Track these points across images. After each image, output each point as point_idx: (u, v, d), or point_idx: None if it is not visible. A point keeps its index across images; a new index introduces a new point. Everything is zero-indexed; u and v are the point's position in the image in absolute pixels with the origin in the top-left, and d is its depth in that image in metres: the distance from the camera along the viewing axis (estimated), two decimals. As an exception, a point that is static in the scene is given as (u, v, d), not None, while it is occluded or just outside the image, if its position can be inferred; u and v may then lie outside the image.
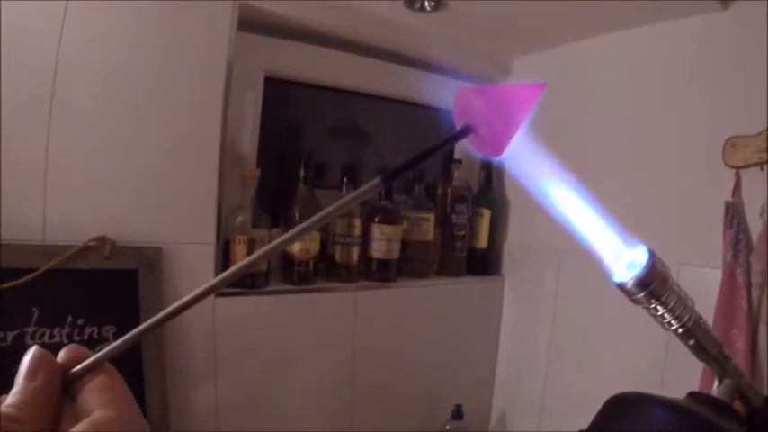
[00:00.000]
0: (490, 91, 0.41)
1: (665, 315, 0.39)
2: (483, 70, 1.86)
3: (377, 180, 0.40)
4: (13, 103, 1.14)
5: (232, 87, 1.39)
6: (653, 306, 0.39)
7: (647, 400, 0.38)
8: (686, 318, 0.39)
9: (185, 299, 0.40)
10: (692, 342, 0.41)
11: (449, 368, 1.79)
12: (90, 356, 0.40)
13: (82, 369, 0.39)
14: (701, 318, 0.40)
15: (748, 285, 1.28)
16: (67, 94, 1.19)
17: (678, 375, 1.34)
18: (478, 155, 0.42)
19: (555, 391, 1.71)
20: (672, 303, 0.39)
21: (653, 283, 0.38)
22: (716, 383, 0.42)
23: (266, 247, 0.41)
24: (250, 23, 1.45)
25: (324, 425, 1.57)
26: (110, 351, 0.40)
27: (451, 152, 1.92)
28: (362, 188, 0.41)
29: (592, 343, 1.60)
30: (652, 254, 0.38)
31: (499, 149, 0.40)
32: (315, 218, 0.40)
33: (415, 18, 1.55)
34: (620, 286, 0.39)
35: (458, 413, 1.67)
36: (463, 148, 1.75)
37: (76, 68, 1.20)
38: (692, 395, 0.40)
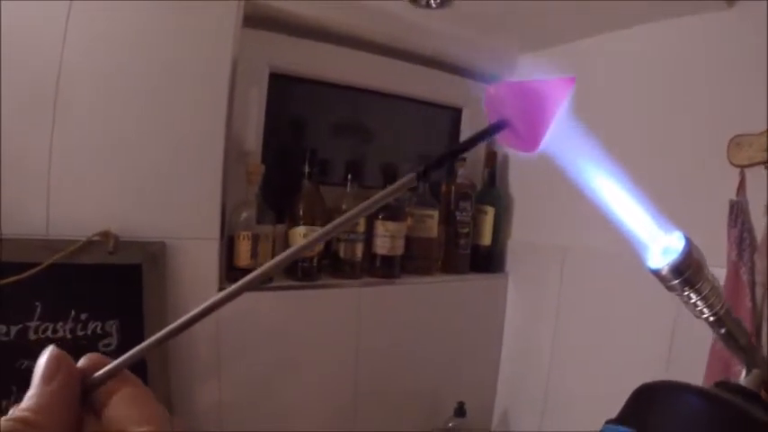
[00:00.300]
0: (523, 86, 0.41)
1: (698, 303, 0.39)
2: (488, 67, 1.85)
3: (411, 175, 0.39)
4: (17, 99, 1.13)
5: (237, 83, 1.39)
6: (686, 294, 0.39)
7: (679, 388, 0.38)
8: (718, 306, 0.39)
9: (220, 296, 0.38)
10: (722, 331, 0.40)
11: (452, 365, 1.78)
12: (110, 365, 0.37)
13: (103, 375, 0.37)
14: (731, 307, 0.40)
15: (752, 284, 1.28)
16: (71, 90, 1.19)
17: (682, 372, 1.35)
18: (513, 151, 0.42)
19: (558, 388, 1.71)
20: (706, 291, 0.38)
21: (688, 271, 0.37)
22: (743, 373, 0.42)
23: (314, 235, 0.39)
24: (255, 19, 1.44)
25: (327, 421, 1.57)
26: (132, 355, 0.38)
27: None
28: (396, 184, 0.40)
29: (595, 341, 1.60)
30: (689, 241, 0.38)
31: (534, 145, 0.39)
32: (354, 210, 0.39)
33: (421, 15, 1.54)
34: (655, 273, 0.39)
35: (460, 410, 1.66)
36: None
37: (80, 65, 1.19)
38: (720, 384, 0.40)
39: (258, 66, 1.53)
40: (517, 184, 1.88)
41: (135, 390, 0.38)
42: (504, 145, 0.43)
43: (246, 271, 1.36)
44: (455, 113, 1.95)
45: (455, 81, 1.86)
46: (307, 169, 1.52)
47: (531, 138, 0.40)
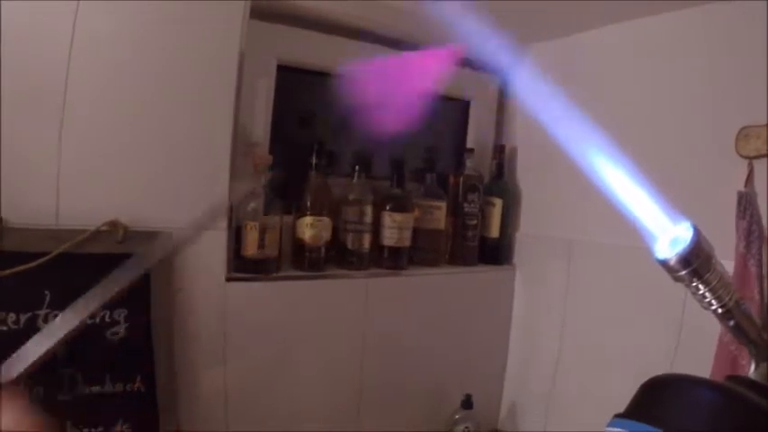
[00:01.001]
0: (392, 62, 0.41)
1: (707, 294, 0.39)
2: (495, 59, 1.84)
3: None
4: (25, 90, 1.14)
5: (245, 75, 1.39)
6: (694, 285, 0.38)
7: (690, 381, 0.38)
8: (727, 298, 0.39)
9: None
10: (731, 323, 0.40)
11: (459, 357, 1.78)
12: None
13: None
14: (741, 299, 0.40)
15: (760, 276, 1.27)
16: (80, 82, 1.19)
17: (688, 367, 1.34)
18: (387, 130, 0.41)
19: (565, 381, 1.70)
20: (714, 283, 0.38)
21: (696, 261, 0.37)
22: (753, 367, 0.42)
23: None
24: (262, 11, 1.44)
25: (333, 412, 1.58)
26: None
27: (464, 141, 1.91)
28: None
29: (602, 334, 1.59)
30: (697, 231, 0.38)
31: (410, 120, 0.39)
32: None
33: (427, 6, 1.53)
34: (663, 263, 0.38)
35: (467, 402, 1.67)
36: (476, 137, 1.75)
37: (89, 58, 1.20)
38: (731, 378, 0.40)
39: (266, 58, 1.53)
40: (525, 176, 1.87)
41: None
42: (378, 128, 0.42)
43: (253, 261, 1.39)
44: (463, 105, 1.94)
45: (462, 73, 1.85)
46: (314, 160, 1.52)
47: (406, 112, 0.40)
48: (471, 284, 1.80)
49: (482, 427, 1.75)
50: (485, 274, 1.84)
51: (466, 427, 1.66)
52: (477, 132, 1.93)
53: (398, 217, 1.61)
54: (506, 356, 1.90)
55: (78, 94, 1.20)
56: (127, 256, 1.27)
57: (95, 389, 1.28)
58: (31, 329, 1.21)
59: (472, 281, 1.81)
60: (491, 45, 1.62)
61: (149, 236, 1.30)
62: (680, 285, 0.41)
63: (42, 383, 1.22)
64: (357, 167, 1.59)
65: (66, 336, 0.38)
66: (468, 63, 1.86)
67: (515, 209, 1.88)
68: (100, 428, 1.26)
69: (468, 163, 1.80)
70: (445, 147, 1.92)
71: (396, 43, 1.71)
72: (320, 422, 1.55)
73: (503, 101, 1.96)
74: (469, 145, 1.88)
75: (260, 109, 1.52)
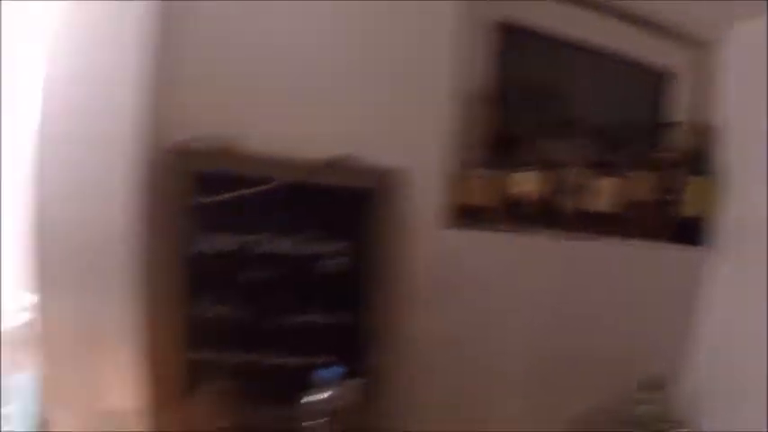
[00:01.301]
0: None
1: None
2: (699, 33, 1.79)
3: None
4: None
5: (469, 32, 1.45)
6: None
7: None
8: None
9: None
10: None
11: (642, 335, 1.72)
12: None
13: None
14: None
15: None
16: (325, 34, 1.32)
17: None
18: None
19: (755, 379, 1.60)
20: None
21: None
22: None
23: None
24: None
25: (517, 375, 1.58)
26: None
27: (669, 116, 1.85)
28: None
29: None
30: None
31: None
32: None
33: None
34: None
35: (653, 384, 1.59)
36: (683, 112, 1.67)
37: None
38: None
39: (487, 16, 1.55)
40: (735, 156, 1.74)
41: None
42: None
43: (472, 210, 1.39)
44: (670, 80, 1.86)
45: (672, 47, 1.81)
46: (536, 121, 1.57)
47: None
48: (665, 262, 1.73)
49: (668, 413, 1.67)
50: (680, 253, 1.75)
51: (649, 410, 1.59)
52: (685, 107, 1.86)
53: (607, 183, 1.59)
54: (691, 341, 1.81)
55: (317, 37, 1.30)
56: (349, 190, 1.30)
57: (302, 318, 1.29)
58: (246, 253, 1.24)
59: (666, 258, 1.73)
60: (699, 18, 1.53)
61: (375, 173, 1.31)
62: None
63: (249, 309, 1.25)
64: (576, 134, 1.60)
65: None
66: (678, 36, 1.77)
67: (721, 189, 1.76)
68: (302, 358, 1.28)
69: (673, 138, 1.75)
70: (650, 121, 1.87)
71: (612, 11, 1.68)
72: (506, 384, 1.56)
73: (712, 77, 1.84)
74: (675, 120, 1.80)
75: (484, 66, 1.54)
